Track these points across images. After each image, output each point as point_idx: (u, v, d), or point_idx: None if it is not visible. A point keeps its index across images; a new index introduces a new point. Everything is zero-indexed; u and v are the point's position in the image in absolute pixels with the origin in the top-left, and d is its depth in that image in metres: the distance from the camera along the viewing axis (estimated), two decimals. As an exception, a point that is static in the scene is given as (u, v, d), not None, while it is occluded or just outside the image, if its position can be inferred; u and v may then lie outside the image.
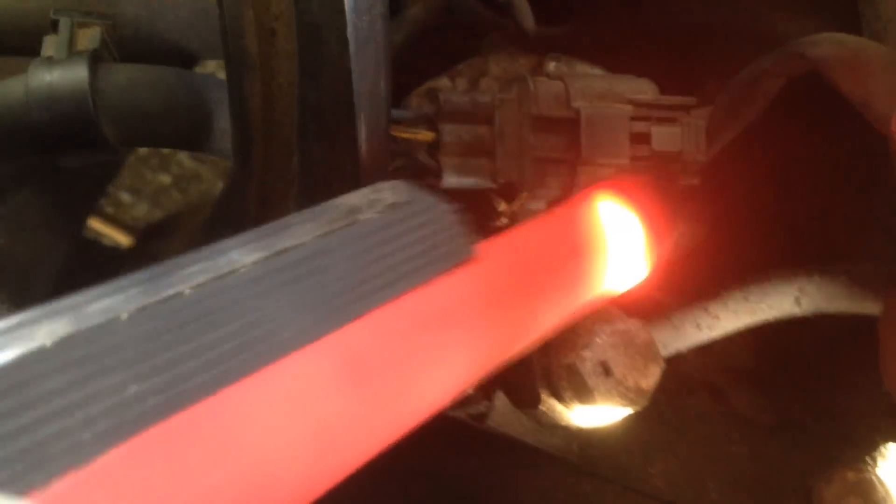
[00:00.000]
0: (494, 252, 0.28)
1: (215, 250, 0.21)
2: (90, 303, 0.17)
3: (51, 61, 0.52)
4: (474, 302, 0.26)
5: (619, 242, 0.43)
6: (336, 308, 0.21)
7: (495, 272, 0.28)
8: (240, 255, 0.21)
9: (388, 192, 0.25)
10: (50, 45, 0.54)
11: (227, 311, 0.19)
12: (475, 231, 0.28)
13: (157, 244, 1.03)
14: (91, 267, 0.99)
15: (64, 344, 0.16)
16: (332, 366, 0.21)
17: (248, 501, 0.18)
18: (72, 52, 0.54)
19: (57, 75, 0.51)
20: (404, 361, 0.23)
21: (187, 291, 0.19)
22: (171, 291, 0.18)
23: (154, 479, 0.17)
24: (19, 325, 0.16)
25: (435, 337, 0.24)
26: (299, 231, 0.22)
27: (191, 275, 0.20)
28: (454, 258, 0.25)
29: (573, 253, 0.39)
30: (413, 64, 0.81)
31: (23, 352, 0.16)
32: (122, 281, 0.18)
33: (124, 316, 0.17)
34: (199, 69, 0.66)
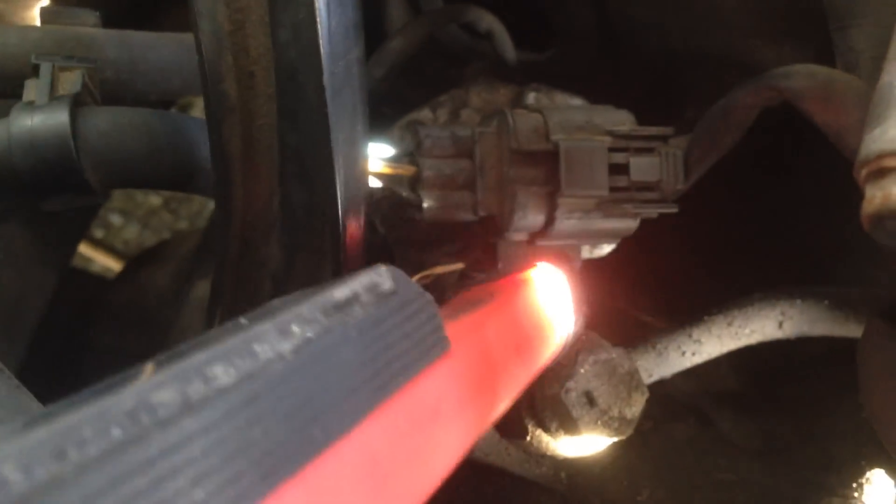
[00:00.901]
0: (466, 342, 0.33)
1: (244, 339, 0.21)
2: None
3: (32, 106, 0.52)
4: (457, 388, 0.31)
5: (559, 310, 0.51)
6: (353, 404, 0.23)
7: (469, 360, 0.34)
8: (272, 344, 0.21)
9: (384, 278, 0.28)
10: (32, 90, 0.54)
11: (268, 406, 0.20)
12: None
13: (144, 273, 1.03)
14: (79, 298, 0.98)
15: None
16: (354, 467, 0.22)
17: None
18: (53, 97, 0.54)
19: (38, 120, 0.51)
20: (410, 456, 0.26)
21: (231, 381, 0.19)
22: (221, 382, 0.19)
23: None
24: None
25: (430, 427, 0.28)
26: (311, 317, 0.23)
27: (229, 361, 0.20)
28: (436, 351, 0.29)
29: (529, 331, 0.46)
30: (395, 93, 0.82)
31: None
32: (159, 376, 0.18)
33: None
34: (194, 112, 0.66)
